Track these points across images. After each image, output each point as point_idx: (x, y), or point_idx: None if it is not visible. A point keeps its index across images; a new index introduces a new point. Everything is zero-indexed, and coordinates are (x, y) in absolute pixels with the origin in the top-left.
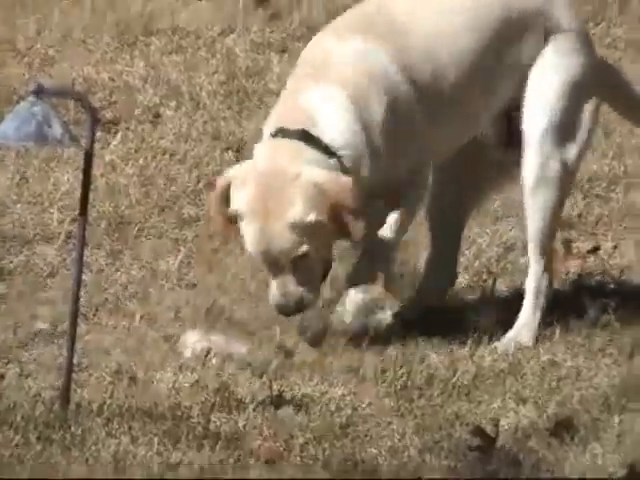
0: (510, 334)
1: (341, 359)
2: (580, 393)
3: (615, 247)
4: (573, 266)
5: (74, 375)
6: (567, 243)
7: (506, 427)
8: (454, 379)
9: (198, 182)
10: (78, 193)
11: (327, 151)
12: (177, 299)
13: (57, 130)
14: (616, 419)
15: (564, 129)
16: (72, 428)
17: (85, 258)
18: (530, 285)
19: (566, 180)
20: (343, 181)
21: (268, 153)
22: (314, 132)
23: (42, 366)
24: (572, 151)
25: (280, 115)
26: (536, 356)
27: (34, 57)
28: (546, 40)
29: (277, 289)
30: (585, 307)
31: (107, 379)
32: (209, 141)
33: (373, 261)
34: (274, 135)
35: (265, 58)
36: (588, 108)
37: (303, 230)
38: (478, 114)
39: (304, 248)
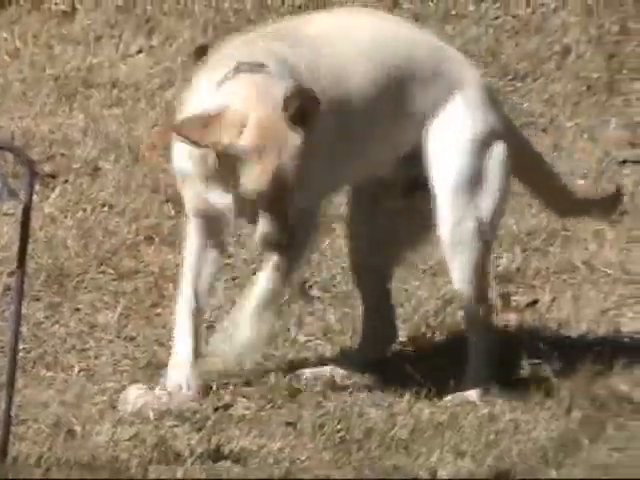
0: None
1: (279, 413)
2: (518, 447)
3: (553, 300)
4: (511, 319)
5: (12, 428)
6: (505, 296)
7: (445, 479)
8: (392, 432)
9: (137, 234)
10: (16, 246)
11: None
12: (116, 352)
13: None
14: (554, 473)
15: (475, 186)
16: None
17: (23, 311)
18: (472, 341)
19: (484, 237)
20: None
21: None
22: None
23: None
24: (487, 208)
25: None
26: (474, 409)
27: None
28: (451, 94)
29: (272, 226)
30: (522, 361)
31: (45, 432)
32: (148, 193)
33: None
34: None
35: None
36: (498, 162)
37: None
38: (376, 152)
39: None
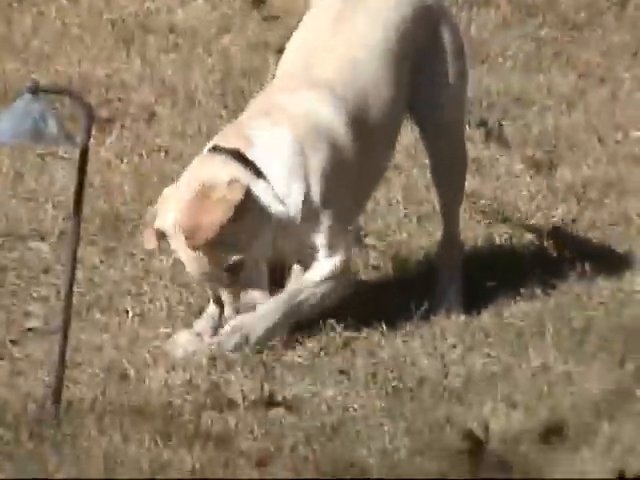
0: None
1: (332, 361)
2: (571, 399)
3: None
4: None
5: (66, 372)
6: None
7: (496, 431)
8: (445, 382)
9: None
10: (72, 190)
11: (257, 172)
12: (170, 297)
13: (53, 128)
14: (606, 425)
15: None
16: (63, 426)
17: (79, 255)
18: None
19: None
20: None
21: (192, 169)
22: (249, 153)
23: (34, 363)
24: None
25: (220, 136)
26: (527, 361)
27: (30, 53)
28: None
29: (229, 305)
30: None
31: (99, 376)
32: (204, 140)
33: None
34: (208, 151)
35: (261, 58)
36: None
37: (226, 239)
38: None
39: (235, 257)
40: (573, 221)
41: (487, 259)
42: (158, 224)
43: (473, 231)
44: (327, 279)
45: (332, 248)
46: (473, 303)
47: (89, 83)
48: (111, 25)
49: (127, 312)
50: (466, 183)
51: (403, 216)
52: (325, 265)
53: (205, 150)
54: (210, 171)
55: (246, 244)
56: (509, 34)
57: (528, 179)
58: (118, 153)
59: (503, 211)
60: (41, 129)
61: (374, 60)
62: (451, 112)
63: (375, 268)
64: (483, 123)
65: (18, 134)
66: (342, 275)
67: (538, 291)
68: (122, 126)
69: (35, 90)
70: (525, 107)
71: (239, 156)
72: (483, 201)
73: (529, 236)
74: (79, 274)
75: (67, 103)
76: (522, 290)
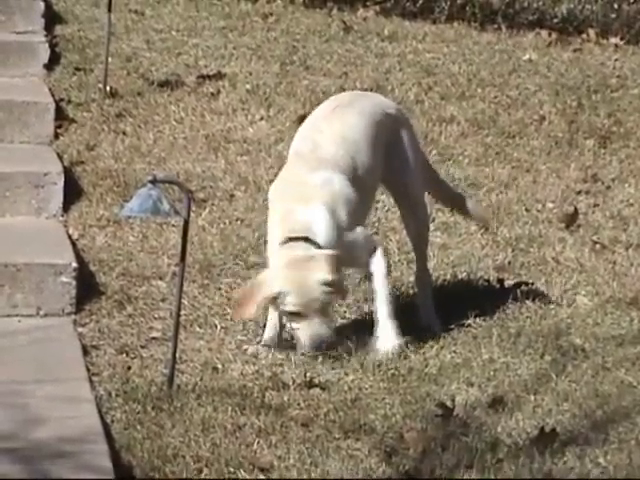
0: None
1: (351, 356)
2: (509, 380)
3: (532, 283)
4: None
5: (176, 366)
6: (501, 281)
7: (460, 402)
8: (426, 369)
9: (259, 239)
10: (180, 246)
11: (319, 247)
12: (247, 318)
13: (166, 206)
14: (532, 397)
15: None
16: (174, 401)
17: (184, 289)
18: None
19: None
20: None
21: (286, 252)
22: (312, 236)
23: (156, 360)
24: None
25: (285, 230)
26: (480, 355)
27: (152, 157)
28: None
29: (308, 331)
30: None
31: (198, 368)
32: (266, 212)
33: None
34: (284, 242)
35: None
36: None
37: (328, 286)
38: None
39: (327, 298)
40: (509, 263)
41: (454, 290)
42: (266, 293)
43: (444, 270)
44: (384, 265)
45: (371, 247)
46: (445, 319)
47: (191, 176)
48: (205, 138)
49: (216, 326)
50: (438, 240)
51: (397, 260)
52: (378, 259)
53: (272, 239)
54: (299, 252)
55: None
56: (465, 141)
57: (479, 236)
58: (210, 222)
59: (463, 257)
60: (158, 207)
61: (361, 142)
62: (412, 185)
63: None
64: None
65: (142, 210)
66: (385, 256)
67: (487, 309)
68: (212, 204)
69: (154, 181)
70: (477, 188)
71: (308, 239)
72: (449, 250)
73: (481, 273)
74: (184, 302)
75: (176, 189)
76: (477, 310)
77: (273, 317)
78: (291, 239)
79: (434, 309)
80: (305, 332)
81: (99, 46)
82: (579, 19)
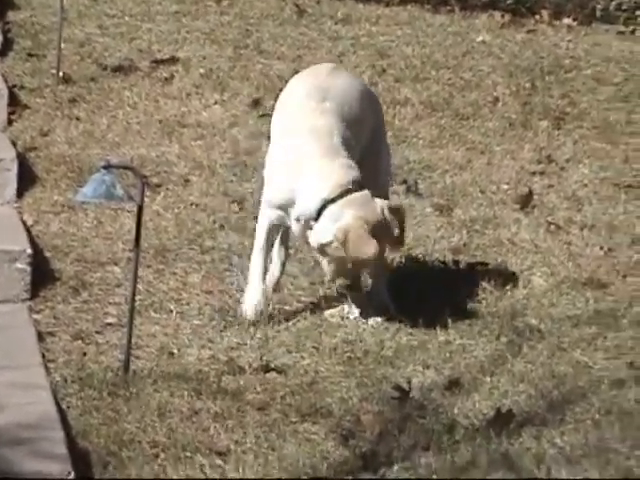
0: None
1: (306, 339)
2: (465, 361)
3: (486, 264)
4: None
5: (132, 351)
6: (456, 262)
7: (417, 384)
8: (382, 352)
9: (214, 223)
10: (135, 231)
11: None
12: (200, 301)
13: (120, 191)
14: (488, 379)
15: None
16: (130, 387)
17: (139, 274)
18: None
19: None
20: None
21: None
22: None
23: (111, 346)
24: None
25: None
26: (436, 337)
27: (106, 142)
28: None
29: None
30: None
31: (153, 354)
32: (221, 197)
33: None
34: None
35: (258, 143)
36: None
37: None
38: None
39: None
40: (464, 245)
41: (410, 271)
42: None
43: (400, 252)
44: None
45: None
46: (401, 301)
47: (145, 161)
48: (159, 122)
49: (172, 311)
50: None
51: None
52: None
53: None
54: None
55: None
56: (419, 123)
57: (434, 218)
58: (164, 207)
59: (419, 239)
60: (112, 192)
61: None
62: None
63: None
64: (404, 181)
65: (96, 196)
66: None
67: (443, 291)
68: (167, 189)
69: (107, 166)
70: (432, 171)
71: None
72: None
73: (436, 255)
74: (139, 287)
75: (130, 175)
76: (433, 292)
77: (259, 282)
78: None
79: (387, 293)
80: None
81: (52, 32)
82: (532, 0)
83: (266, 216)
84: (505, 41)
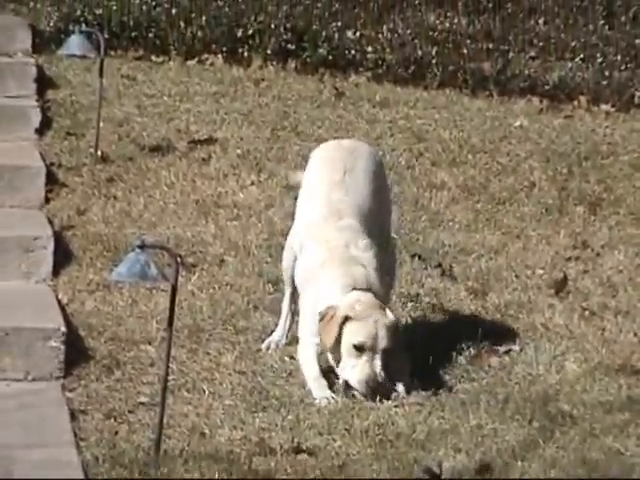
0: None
1: (338, 422)
2: (497, 446)
3: (522, 350)
4: (494, 362)
5: (163, 431)
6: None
7: (448, 468)
8: (414, 435)
9: (248, 304)
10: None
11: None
12: (233, 381)
13: (154, 271)
14: (519, 464)
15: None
16: (161, 467)
17: (172, 354)
18: None
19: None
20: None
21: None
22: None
23: (143, 425)
24: None
25: (347, 278)
26: (468, 421)
27: (142, 222)
28: None
29: (367, 368)
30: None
31: (185, 434)
32: (256, 277)
33: None
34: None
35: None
36: None
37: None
38: None
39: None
40: (499, 329)
41: (443, 355)
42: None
43: (433, 334)
44: None
45: None
46: (433, 384)
47: (181, 241)
48: (195, 203)
49: (204, 391)
50: (427, 299)
51: None
52: None
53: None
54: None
55: None
56: (455, 207)
57: (469, 302)
58: (199, 287)
59: (452, 322)
60: (146, 272)
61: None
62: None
63: None
64: (439, 265)
65: (131, 275)
66: None
67: (475, 375)
68: (202, 269)
69: (142, 246)
70: (467, 255)
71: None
72: (439, 315)
73: (470, 339)
74: (173, 366)
75: (166, 254)
76: (465, 375)
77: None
78: (357, 289)
79: (411, 374)
80: (362, 369)
81: (91, 111)
82: (570, 86)
83: (309, 343)
84: (542, 126)
